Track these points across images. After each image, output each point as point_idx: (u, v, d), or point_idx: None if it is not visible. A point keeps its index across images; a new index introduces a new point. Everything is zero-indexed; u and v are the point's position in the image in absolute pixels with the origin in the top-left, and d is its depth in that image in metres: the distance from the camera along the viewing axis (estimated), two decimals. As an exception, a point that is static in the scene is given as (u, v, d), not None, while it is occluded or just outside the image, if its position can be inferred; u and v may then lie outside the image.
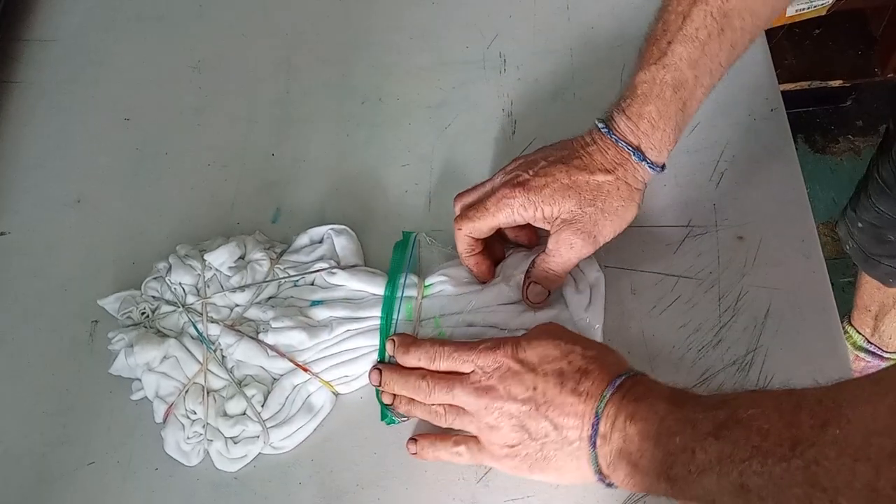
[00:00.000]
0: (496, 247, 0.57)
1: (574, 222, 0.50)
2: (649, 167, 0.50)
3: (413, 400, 0.50)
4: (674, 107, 0.49)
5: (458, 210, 0.54)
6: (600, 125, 0.51)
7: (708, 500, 0.38)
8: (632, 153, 0.50)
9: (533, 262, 0.53)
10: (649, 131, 0.49)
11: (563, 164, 0.51)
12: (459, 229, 0.53)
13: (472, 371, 0.48)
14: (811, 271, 0.55)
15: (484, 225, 0.52)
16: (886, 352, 1.18)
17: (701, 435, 0.38)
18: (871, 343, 1.18)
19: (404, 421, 0.52)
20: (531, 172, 0.51)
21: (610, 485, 0.45)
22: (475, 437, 0.48)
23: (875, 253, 0.96)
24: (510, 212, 0.51)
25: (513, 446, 0.46)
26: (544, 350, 0.46)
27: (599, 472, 0.44)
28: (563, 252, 0.51)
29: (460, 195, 0.55)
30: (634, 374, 0.45)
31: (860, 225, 0.94)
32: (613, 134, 0.50)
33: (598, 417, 0.43)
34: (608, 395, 0.44)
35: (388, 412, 0.52)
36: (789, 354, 0.52)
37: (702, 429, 0.38)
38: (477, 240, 0.54)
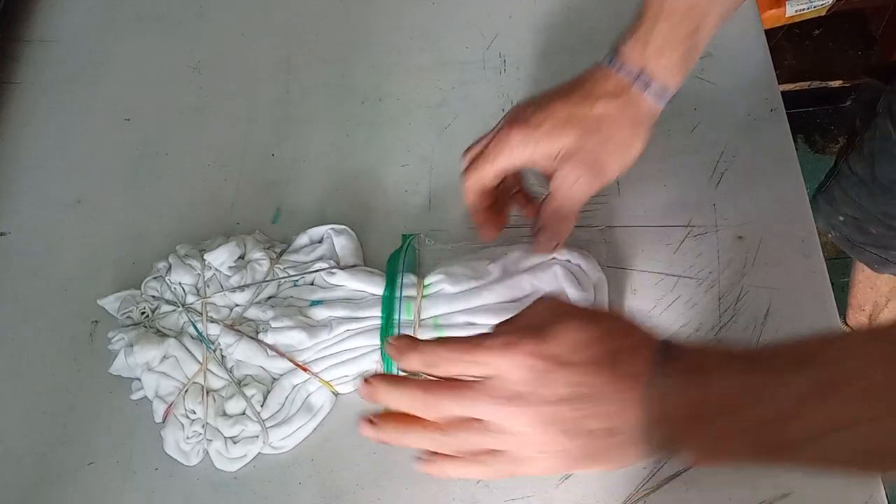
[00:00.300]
0: (502, 213, 0.54)
1: (576, 156, 0.48)
2: (654, 96, 0.48)
3: (406, 424, 0.41)
4: (684, 30, 0.47)
5: (465, 163, 0.52)
6: (604, 56, 0.49)
7: (821, 465, 0.34)
8: (633, 81, 0.48)
9: (539, 209, 0.52)
10: (655, 55, 0.47)
11: (562, 98, 0.49)
12: (465, 181, 0.51)
13: (491, 376, 0.40)
14: (811, 271, 0.55)
15: (488, 171, 0.50)
16: None
17: (792, 402, 0.33)
18: None
19: None
20: (530, 110, 0.49)
21: (665, 462, 0.41)
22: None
23: (859, 241, 0.96)
24: (510, 151, 0.49)
25: (549, 451, 0.40)
26: (571, 337, 0.39)
27: (655, 453, 0.39)
28: (567, 188, 0.49)
29: (468, 149, 0.53)
30: (670, 342, 0.40)
31: (841, 218, 0.94)
32: (616, 61, 0.48)
33: (648, 401, 0.38)
34: (654, 374, 0.38)
35: None
36: (789, 354, 0.52)
37: (792, 393, 0.33)
38: (483, 193, 0.51)
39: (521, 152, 0.49)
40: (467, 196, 0.52)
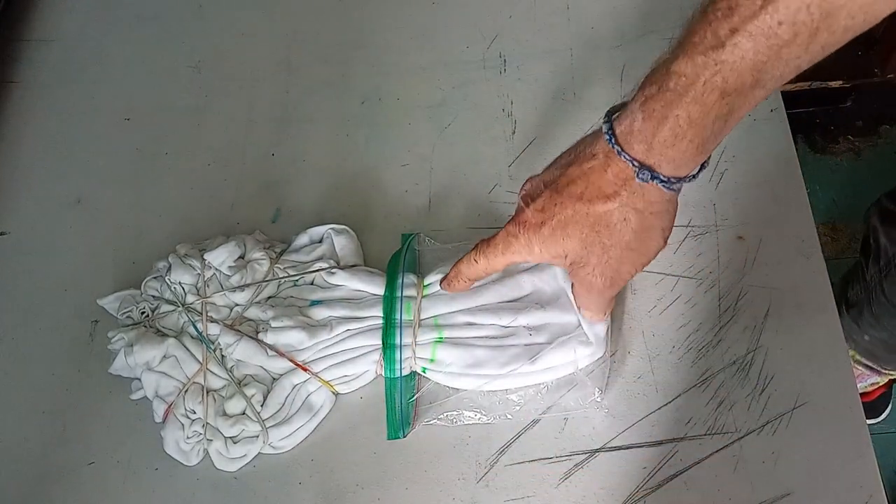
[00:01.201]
0: None
1: (584, 265, 0.44)
2: (663, 186, 0.39)
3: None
4: (714, 114, 0.36)
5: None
6: (605, 128, 0.40)
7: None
8: (636, 172, 0.39)
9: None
10: (669, 142, 0.37)
11: (560, 192, 0.42)
12: (462, 266, 0.49)
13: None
14: (811, 271, 0.55)
15: (488, 266, 0.48)
16: (885, 368, 1.17)
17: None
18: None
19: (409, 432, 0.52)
20: (533, 206, 0.44)
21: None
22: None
23: (885, 357, 0.96)
24: (511, 252, 0.46)
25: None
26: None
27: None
28: (585, 295, 0.47)
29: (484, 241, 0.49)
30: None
31: (867, 338, 0.94)
32: (616, 144, 0.39)
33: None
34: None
35: (394, 429, 0.52)
36: (789, 354, 0.52)
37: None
38: (475, 280, 0.50)
39: (525, 255, 0.45)
40: (458, 279, 0.50)
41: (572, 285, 0.49)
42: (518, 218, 0.45)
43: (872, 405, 1.25)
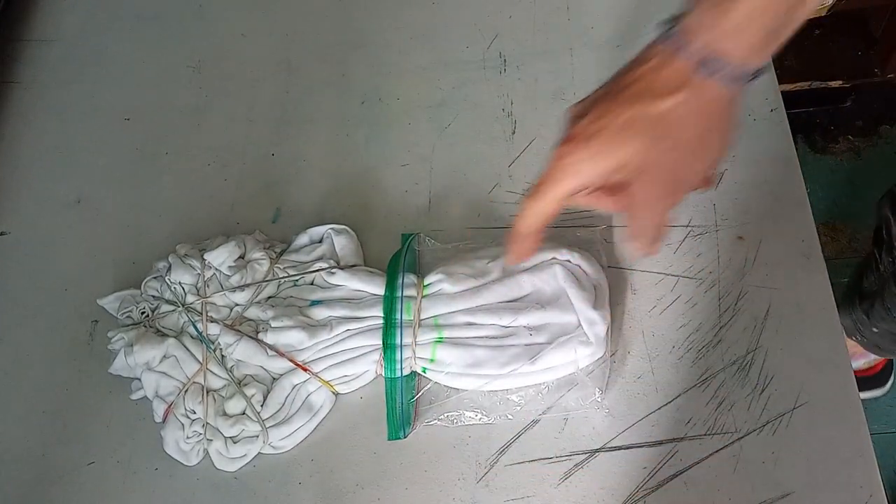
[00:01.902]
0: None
1: (647, 169, 0.40)
2: (728, 81, 0.38)
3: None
4: (785, 2, 0.36)
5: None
6: (662, 31, 0.39)
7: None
8: (697, 65, 0.38)
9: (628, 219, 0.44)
10: (735, 32, 0.37)
11: (615, 97, 0.40)
12: (523, 217, 0.43)
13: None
14: (811, 271, 0.55)
15: (547, 205, 0.42)
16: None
17: None
18: None
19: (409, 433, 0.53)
20: (584, 119, 0.41)
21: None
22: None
23: (891, 349, 0.96)
24: (567, 176, 0.41)
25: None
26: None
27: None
28: (645, 206, 0.41)
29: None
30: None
31: (875, 330, 0.93)
32: (675, 38, 0.38)
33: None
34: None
35: (394, 430, 0.52)
36: (789, 354, 0.52)
37: None
38: (543, 226, 0.43)
39: (587, 173, 0.41)
40: (524, 234, 0.44)
41: (627, 212, 0.43)
42: (567, 136, 0.41)
43: (875, 378, 1.23)
